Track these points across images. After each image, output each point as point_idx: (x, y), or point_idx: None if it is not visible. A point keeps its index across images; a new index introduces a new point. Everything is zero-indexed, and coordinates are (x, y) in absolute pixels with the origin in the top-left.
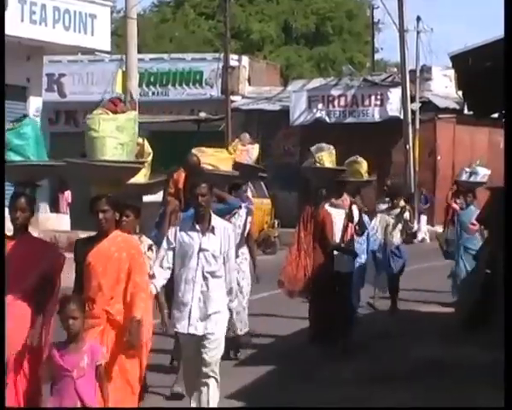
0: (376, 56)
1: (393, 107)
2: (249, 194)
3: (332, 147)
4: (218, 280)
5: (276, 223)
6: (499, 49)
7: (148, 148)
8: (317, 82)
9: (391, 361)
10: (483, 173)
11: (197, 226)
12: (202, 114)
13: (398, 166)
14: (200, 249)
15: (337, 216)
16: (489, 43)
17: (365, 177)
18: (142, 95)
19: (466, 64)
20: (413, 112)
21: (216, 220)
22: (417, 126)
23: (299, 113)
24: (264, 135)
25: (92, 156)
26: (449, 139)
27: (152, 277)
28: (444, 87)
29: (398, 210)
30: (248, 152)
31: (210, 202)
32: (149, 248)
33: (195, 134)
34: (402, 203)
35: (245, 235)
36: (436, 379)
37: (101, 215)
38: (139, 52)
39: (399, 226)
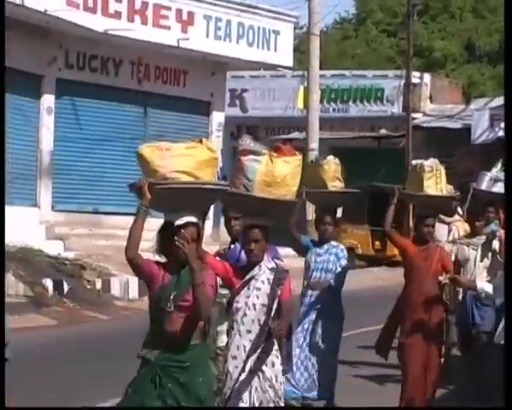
0: None
1: None
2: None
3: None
4: None
5: None
6: None
7: None
8: (500, 100)
9: None
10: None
11: None
12: (383, 131)
13: None
14: None
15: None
16: None
17: (331, 185)
18: (323, 111)
19: None
20: None
21: None
22: None
23: (480, 131)
24: (444, 153)
25: None
26: None
27: None
28: None
29: (482, 238)
30: (244, 169)
31: None
32: None
33: (376, 151)
34: (493, 227)
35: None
36: None
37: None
38: (321, 68)
39: (486, 262)
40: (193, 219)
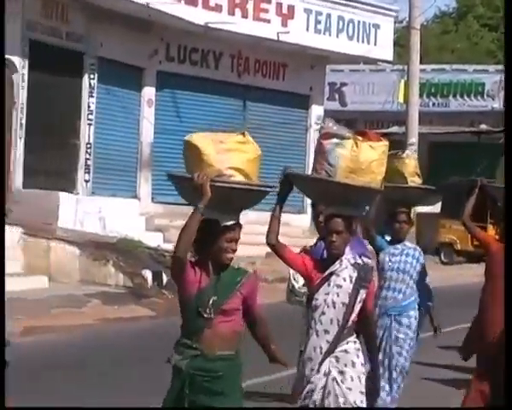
0: None
1: None
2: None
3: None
4: None
5: None
6: None
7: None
8: None
9: None
10: None
11: None
12: (483, 126)
13: None
14: None
15: None
16: None
17: (410, 180)
18: (423, 105)
19: None
20: None
21: None
22: None
23: None
24: None
25: None
26: None
27: None
28: None
29: None
30: (326, 153)
31: None
32: None
33: (475, 146)
34: None
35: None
36: None
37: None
38: (421, 63)
39: None
40: (238, 219)
